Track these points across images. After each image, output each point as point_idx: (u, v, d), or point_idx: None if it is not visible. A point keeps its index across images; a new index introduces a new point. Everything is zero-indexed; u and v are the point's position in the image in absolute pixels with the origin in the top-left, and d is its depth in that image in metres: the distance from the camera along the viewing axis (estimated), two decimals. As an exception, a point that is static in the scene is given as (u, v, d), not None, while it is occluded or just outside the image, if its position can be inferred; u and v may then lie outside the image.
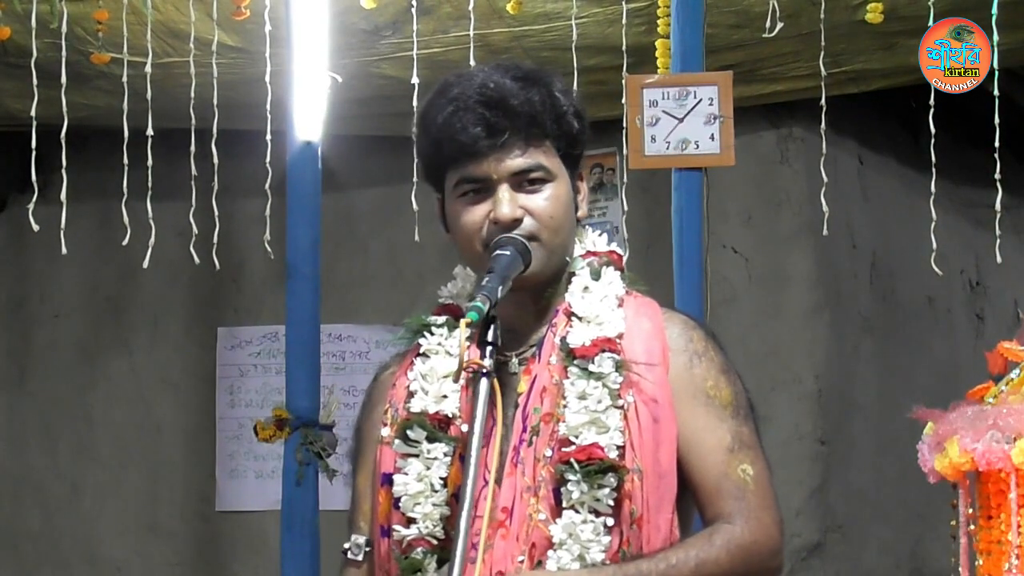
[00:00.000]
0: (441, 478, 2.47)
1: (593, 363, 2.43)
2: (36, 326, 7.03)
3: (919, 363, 6.52)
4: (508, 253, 2.44)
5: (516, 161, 2.48)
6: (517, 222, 2.47)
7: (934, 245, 4.36)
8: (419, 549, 2.46)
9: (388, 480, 2.51)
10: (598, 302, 2.49)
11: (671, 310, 2.57)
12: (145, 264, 4.97)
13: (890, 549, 6.33)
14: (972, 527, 2.93)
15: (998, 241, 4.37)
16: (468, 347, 2.35)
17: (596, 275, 2.52)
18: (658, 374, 2.45)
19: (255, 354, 6.78)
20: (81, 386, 6.95)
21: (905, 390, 6.14)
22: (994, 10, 4.17)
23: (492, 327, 2.40)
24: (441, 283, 7.66)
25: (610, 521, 2.38)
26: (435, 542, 2.46)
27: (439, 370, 2.52)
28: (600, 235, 2.60)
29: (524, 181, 2.48)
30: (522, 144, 2.47)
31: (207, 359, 6.82)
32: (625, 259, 2.60)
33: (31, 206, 4.80)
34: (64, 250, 4.88)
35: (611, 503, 2.38)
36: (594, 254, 2.56)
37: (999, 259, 4.39)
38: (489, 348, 2.39)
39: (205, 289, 6.76)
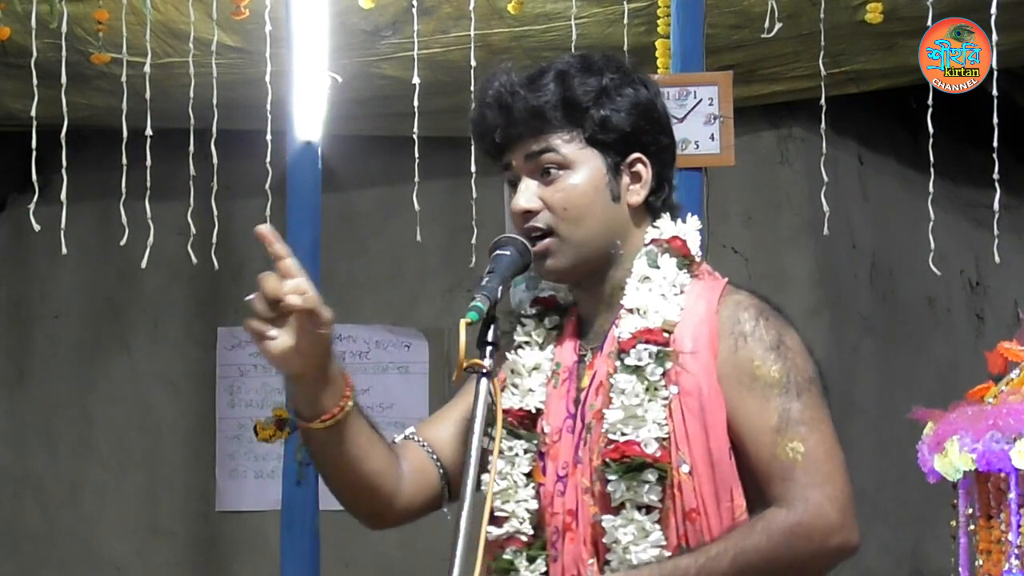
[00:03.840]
0: (524, 474, 2.47)
1: (630, 356, 2.42)
2: (36, 326, 7.03)
3: (919, 363, 6.52)
4: (508, 253, 2.45)
5: (525, 152, 2.50)
6: (531, 213, 2.48)
7: (932, 245, 4.37)
8: (510, 548, 2.47)
9: None
10: (648, 292, 2.47)
11: (733, 291, 2.50)
12: (143, 264, 4.97)
13: (890, 549, 6.33)
14: (972, 527, 2.93)
15: (996, 241, 4.37)
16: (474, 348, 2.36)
17: (653, 263, 2.50)
18: (704, 361, 2.42)
19: (255, 354, 6.73)
20: (81, 386, 6.95)
21: (905, 390, 6.14)
22: (993, 10, 4.17)
23: (492, 327, 2.40)
24: (441, 283, 7.65)
25: (656, 517, 2.37)
26: (524, 539, 2.47)
27: (527, 363, 2.52)
28: (676, 221, 2.55)
29: (544, 171, 2.49)
30: (531, 138, 2.49)
31: (207, 359, 6.82)
32: (695, 240, 2.55)
33: (31, 206, 4.80)
34: (64, 250, 4.88)
35: (655, 498, 2.37)
36: (657, 242, 2.53)
37: (997, 259, 4.39)
38: (489, 348, 2.39)
39: (205, 289, 6.76)
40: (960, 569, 2.94)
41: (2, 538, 6.99)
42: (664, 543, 2.37)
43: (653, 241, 2.53)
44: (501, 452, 2.48)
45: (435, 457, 2.56)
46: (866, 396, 6.27)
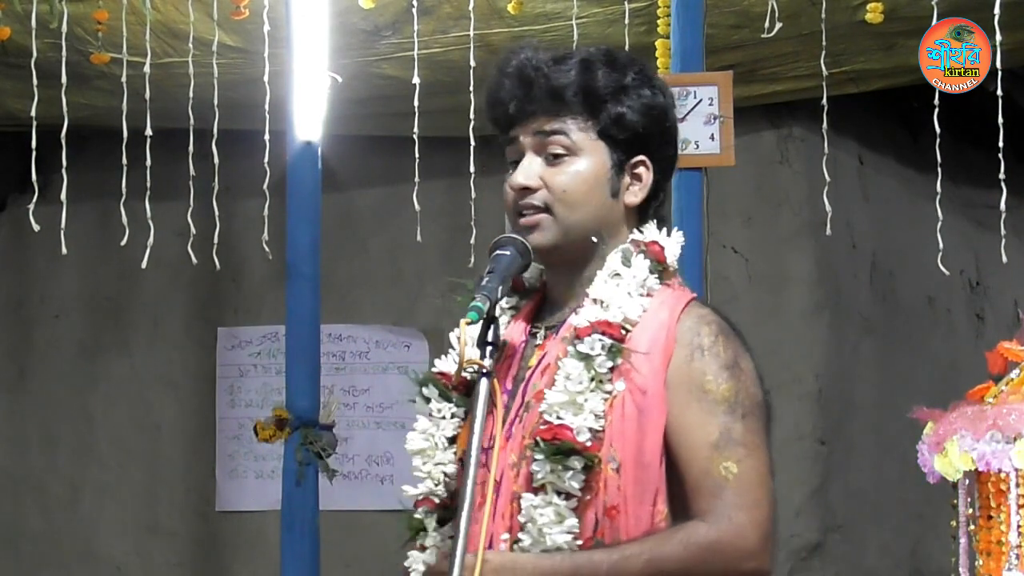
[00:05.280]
0: (447, 438, 2.49)
1: (583, 343, 2.43)
2: (36, 326, 7.03)
3: (919, 363, 6.52)
4: (508, 253, 2.46)
5: (536, 129, 2.51)
6: (528, 190, 2.50)
7: (940, 245, 4.37)
8: (422, 508, 2.49)
9: None
10: (616, 287, 2.49)
11: (698, 305, 2.54)
12: (143, 264, 4.97)
13: (890, 549, 6.33)
14: (972, 527, 2.94)
15: (1004, 241, 4.36)
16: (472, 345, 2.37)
17: (626, 261, 2.52)
18: (655, 365, 2.43)
19: (255, 354, 6.78)
20: (81, 386, 6.94)
21: (905, 390, 6.14)
22: (996, 10, 4.17)
23: (492, 327, 2.41)
24: (441, 283, 7.63)
25: (574, 505, 2.38)
26: (437, 501, 2.49)
27: (473, 335, 2.48)
28: (658, 227, 2.57)
29: (550, 153, 2.51)
30: (545, 116, 2.50)
31: (207, 359, 6.82)
32: (674, 252, 2.57)
33: (31, 206, 4.80)
34: (64, 250, 4.89)
35: (576, 486, 2.37)
36: (636, 243, 2.55)
37: (1005, 259, 4.38)
38: (489, 348, 2.40)
39: (205, 289, 6.76)
40: (960, 569, 2.95)
41: (2, 538, 6.99)
42: (577, 531, 2.38)
43: (632, 242, 2.55)
44: (430, 414, 2.52)
45: None
46: (866, 396, 6.27)
